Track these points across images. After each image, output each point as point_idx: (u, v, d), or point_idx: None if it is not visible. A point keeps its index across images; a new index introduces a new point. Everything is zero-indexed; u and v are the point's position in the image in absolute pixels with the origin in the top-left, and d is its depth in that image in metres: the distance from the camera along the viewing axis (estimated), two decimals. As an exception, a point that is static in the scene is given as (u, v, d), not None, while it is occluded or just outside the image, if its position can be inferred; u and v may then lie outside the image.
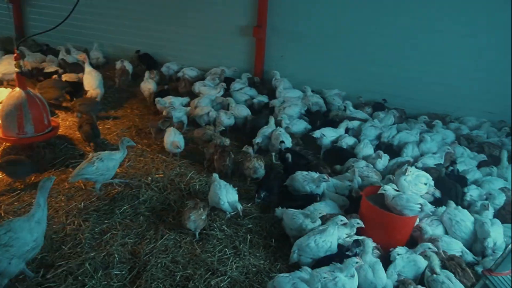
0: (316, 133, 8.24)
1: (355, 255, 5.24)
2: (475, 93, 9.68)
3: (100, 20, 12.60)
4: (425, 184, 6.00)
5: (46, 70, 10.40)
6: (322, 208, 5.95)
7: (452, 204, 6.13)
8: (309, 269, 4.84)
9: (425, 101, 10.01)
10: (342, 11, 10.06)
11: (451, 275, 4.94)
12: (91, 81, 9.43)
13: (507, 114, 9.36)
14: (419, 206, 5.52)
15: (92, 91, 9.41)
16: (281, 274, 4.79)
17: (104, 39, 12.61)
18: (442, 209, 6.08)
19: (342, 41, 10.30)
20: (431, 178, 6.15)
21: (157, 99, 9.05)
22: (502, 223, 6.05)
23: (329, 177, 6.69)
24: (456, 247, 5.56)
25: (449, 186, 6.69)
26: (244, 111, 9.03)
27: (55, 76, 9.93)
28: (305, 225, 5.64)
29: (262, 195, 6.43)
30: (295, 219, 5.71)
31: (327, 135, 8.27)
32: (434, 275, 4.92)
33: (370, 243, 5.16)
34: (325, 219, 5.77)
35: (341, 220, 5.35)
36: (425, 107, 9.96)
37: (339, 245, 5.39)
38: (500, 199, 6.49)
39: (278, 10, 10.48)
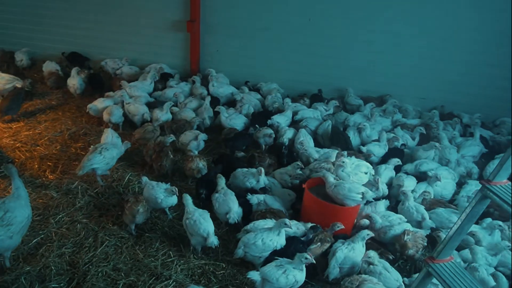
0: (272, 120, 8.36)
1: (311, 241, 5.34)
2: (411, 81, 10.02)
3: (27, 20, 11.90)
4: (366, 173, 6.13)
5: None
6: (270, 202, 6.03)
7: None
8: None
9: (362, 90, 10.24)
10: (276, 2, 10.05)
11: (388, 265, 5.08)
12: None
13: (440, 99, 9.90)
14: (361, 195, 5.64)
15: (17, 84, 9.17)
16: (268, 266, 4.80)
17: (32, 39, 11.93)
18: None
19: (277, 33, 10.28)
20: (371, 167, 6.29)
21: (89, 106, 8.58)
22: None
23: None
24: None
25: (337, 133, 7.88)
26: (189, 117, 8.68)
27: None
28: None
29: (202, 193, 6.33)
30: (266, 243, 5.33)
31: (281, 121, 8.43)
32: (371, 266, 5.03)
33: None
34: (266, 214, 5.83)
35: (285, 224, 5.24)
36: (363, 95, 10.21)
37: (292, 237, 5.41)
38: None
39: (211, 3, 10.32)
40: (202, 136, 7.62)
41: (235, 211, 5.87)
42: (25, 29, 12.04)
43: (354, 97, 10.00)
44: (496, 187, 3.08)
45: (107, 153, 6.57)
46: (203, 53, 10.90)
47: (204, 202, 6.39)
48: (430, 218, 6.10)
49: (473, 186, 6.90)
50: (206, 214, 5.55)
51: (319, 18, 9.90)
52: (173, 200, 6.04)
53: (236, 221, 5.89)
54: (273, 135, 8.00)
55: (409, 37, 9.63)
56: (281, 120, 8.50)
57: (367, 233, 5.39)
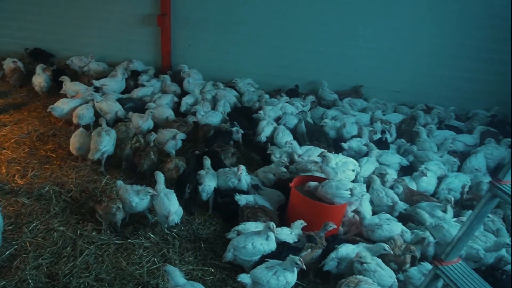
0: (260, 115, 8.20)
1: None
2: (385, 74, 9.96)
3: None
4: (353, 170, 6.02)
5: None
6: (260, 203, 5.90)
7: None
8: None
9: (336, 84, 10.09)
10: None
11: (380, 261, 4.99)
12: None
13: (414, 92, 9.87)
14: (349, 192, 5.54)
15: None
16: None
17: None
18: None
19: (251, 27, 10.07)
20: (357, 164, 6.19)
21: (51, 107, 7.94)
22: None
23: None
24: (397, 229, 5.58)
25: (315, 130, 7.99)
26: (166, 112, 8.36)
27: None
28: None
29: (188, 191, 6.08)
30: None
31: (271, 115, 8.34)
32: (365, 264, 4.91)
33: None
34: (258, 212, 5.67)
35: (269, 228, 5.06)
36: (338, 89, 10.09)
37: (283, 243, 5.23)
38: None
39: (182, -4, 10.07)
40: (181, 136, 7.35)
41: (209, 185, 6.12)
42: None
43: (329, 91, 9.88)
44: (506, 186, 3.02)
45: (111, 134, 6.93)
46: (175, 48, 10.57)
47: (190, 201, 6.23)
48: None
49: (453, 178, 6.93)
50: (171, 194, 5.63)
51: (293, 12, 9.72)
52: (148, 202, 5.73)
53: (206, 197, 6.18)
54: (240, 131, 7.77)
55: (383, 30, 9.60)
56: (272, 114, 8.43)
57: (384, 248, 5.09)
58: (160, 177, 5.80)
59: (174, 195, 5.66)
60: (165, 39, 10.30)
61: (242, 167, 6.33)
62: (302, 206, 5.76)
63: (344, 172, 5.92)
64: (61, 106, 8.07)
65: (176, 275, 4.36)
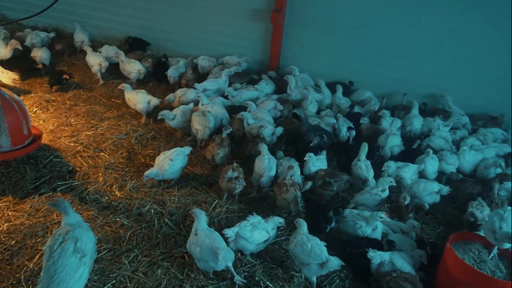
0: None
1: None
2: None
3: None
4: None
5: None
6: (399, 264, 4.70)
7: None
8: None
9: (465, 105, 8.65)
10: (378, -4, 8.57)
11: None
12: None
13: None
14: None
15: None
16: None
17: (89, 17, 10.70)
18: None
19: (375, 31, 8.77)
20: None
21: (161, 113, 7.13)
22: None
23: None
24: None
25: None
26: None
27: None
28: None
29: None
30: None
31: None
32: None
33: None
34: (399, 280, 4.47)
35: None
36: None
37: None
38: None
39: (300, -9, 8.94)
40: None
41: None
42: (84, 6, 10.78)
43: (459, 111, 8.50)
44: None
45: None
46: (285, 48, 9.49)
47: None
48: None
49: None
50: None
51: (431, 19, 8.31)
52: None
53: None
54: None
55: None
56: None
57: None
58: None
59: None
60: (276, 37, 9.25)
61: (381, 214, 5.19)
62: (459, 273, 4.50)
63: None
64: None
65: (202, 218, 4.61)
